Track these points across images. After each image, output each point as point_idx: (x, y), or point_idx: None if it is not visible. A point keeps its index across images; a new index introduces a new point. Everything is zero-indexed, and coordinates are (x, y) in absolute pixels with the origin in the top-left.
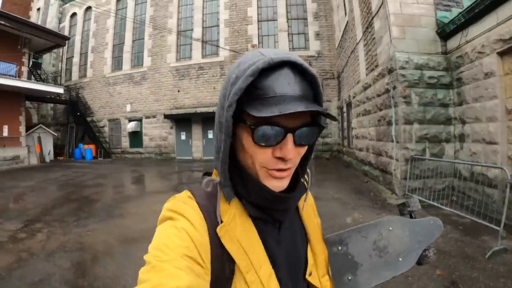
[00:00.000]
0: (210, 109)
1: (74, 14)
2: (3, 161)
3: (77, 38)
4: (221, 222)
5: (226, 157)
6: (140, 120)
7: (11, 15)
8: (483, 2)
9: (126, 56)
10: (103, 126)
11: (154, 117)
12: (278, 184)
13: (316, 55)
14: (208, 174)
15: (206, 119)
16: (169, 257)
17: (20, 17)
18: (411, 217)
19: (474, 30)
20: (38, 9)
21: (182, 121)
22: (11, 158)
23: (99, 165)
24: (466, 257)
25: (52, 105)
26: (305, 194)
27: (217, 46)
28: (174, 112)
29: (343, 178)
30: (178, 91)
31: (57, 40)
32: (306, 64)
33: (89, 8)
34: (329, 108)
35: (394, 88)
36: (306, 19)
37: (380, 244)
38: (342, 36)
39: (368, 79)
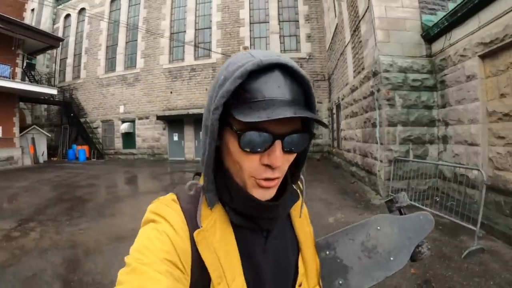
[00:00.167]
0: (202, 111)
1: (68, 15)
2: None
3: (71, 39)
4: (200, 227)
5: (210, 161)
6: (133, 121)
7: (5, 17)
8: (466, 6)
9: (120, 58)
10: (97, 127)
11: (147, 118)
12: (265, 194)
13: (307, 57)
14: (200, 174)
15: (198, 121)
16: (149, 260)
17: (14, 18)
18: (400, 213)
19: (457, 33)
20: (32, 10)
21: (174, 122)
22: (5, 159)
23: (92, 166)
24: (442, 256)
25: (46, 106)
26: (300, 201)
27: (209, 50)
28: (167, 113)
29: (331, 179)
30: (171, 92)
31: (51, 41)
32: (297, 67)
33: (83, 9)
34: (320, 110)
35: (378, 90)
36: (298, 21)
37: (369, 244)
38: (332, 39)
39: (355, 81)
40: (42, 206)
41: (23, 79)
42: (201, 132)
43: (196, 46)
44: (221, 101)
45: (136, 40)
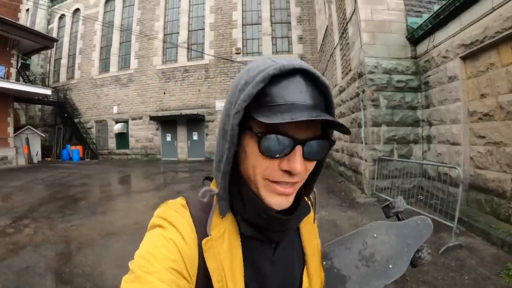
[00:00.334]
0: (195, 111)
1: (62, 16)
2: None
3: (65, 40)
4: (209, 235)
5: (228, 167)
6: (126, 121)
7: (1, 18)
8: (448, 8)
9: (113, 58)
10: (90, 128)
11: (140, 118)
12: (282, 201)
13: (299, 58)
14: (210, 178)
15: (190, 121)
16: (154, 269)
17: (9, 19)
18: (398, 218)
19: (440, 35)
20: (27, 10)
21: (167, 122)
22: None
23: (86, 166)
24: None
25: (40, 106)
26: (312, 213)
27: (202, 52)
28: (160, 114)
29: (320, 179)
30: (164, 93)
31: (46, 42)
32: (318, 73)
33: (77, 10)
34: None
35: (363, 91)
36: (290, 23)
37: (366, 253)
38: (323, 40)
39: (343, 82)
40: (35, 204)
41: (17, 80)
42: (196, 133)
43: (188, 49)
44: (243, 105)
45: (130, 41)
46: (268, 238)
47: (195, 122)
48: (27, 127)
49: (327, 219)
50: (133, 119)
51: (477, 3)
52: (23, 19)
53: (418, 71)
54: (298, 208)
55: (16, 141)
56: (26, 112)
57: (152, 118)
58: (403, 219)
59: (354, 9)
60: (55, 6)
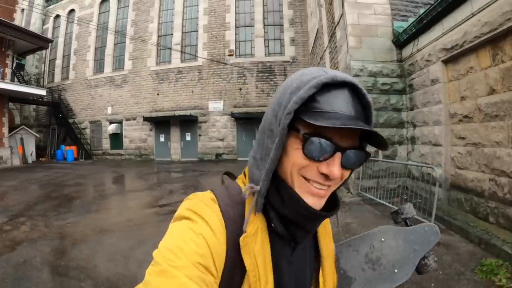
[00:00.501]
0: (188, 112)
1: (57, 16)
2: None
3: (60, 40)
4: (245, 231)
5: (274, 165)
6: (120, 122)
7: None
8: (431, 13)
9: (108, 59)
10: (85, 128)
11: (134, 119)
12: (315, 202)
13: (291, 60)
14: (229, 174)
15: (184, 122)
16: (181, 263)
17: (4, 19)
18: (406, 224)
19: (424, 39)
20: (22, 10)
21: (161, 123)
22: None
23: (80, 166)
24: None
25: (34, 106)
26: (335, 216)
27: (195, 55)
28: (154, 114)
29: None
30: (158, 94)
31: (41, 42)
32: (365, 90)
33: (72, 10)
34: None
35: None
36: (282, 25)
37: (373, 256)
38: (314, 43)
39: None
40: (31, 203)
41: (12, 80)
42: (189, 133)
43: (182, 52)
44: (294, 106)
45: (124, 42)
46: (293, 237)
47: (188, 123)
48: (21, 127)
49: None
50: (127, 119)
51: (458, 8)
52: (18, 19)
53: (403, 74)
54: (335, 207)
55: (11, 141)
56: (20, 112)
57: (145, 119)
58: (411, 225)
59: (342, 13)
60: (50, 7)
